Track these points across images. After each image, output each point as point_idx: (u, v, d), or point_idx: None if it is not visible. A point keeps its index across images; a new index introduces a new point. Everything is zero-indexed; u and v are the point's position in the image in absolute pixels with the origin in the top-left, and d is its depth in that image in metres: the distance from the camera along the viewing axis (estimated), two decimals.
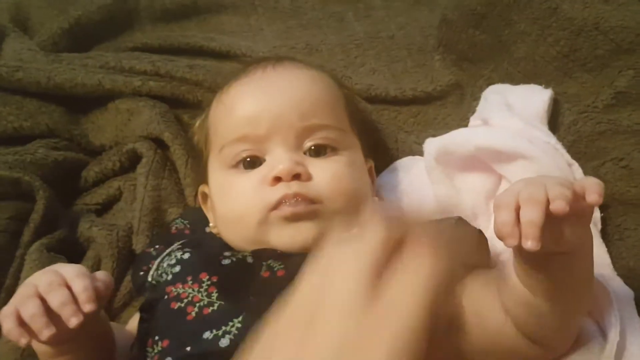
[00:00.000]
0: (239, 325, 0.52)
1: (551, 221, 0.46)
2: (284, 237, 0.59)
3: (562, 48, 0.77)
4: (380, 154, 0.77)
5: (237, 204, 0.62)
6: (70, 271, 0.51)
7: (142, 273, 0.63)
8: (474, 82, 0.85)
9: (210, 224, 0.69)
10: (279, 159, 0.61)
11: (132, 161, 0.80)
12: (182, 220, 0.71)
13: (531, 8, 0.79)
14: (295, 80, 0.67)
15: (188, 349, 0.52)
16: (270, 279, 0.56)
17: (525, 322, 0.55)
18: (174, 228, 0.70)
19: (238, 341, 0.51)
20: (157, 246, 0.66)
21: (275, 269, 0.57)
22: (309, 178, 0.61)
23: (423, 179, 0.71)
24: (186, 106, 0.84)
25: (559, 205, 0.45)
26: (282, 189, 0.59)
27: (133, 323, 0.65)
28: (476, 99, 0.82)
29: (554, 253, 0.49)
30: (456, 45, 0.87)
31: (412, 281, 0.34)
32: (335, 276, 0.36)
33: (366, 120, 0.78)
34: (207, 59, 0.92)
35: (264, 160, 0.63)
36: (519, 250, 0.51)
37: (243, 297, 0.55)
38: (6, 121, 0.79)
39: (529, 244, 0.45)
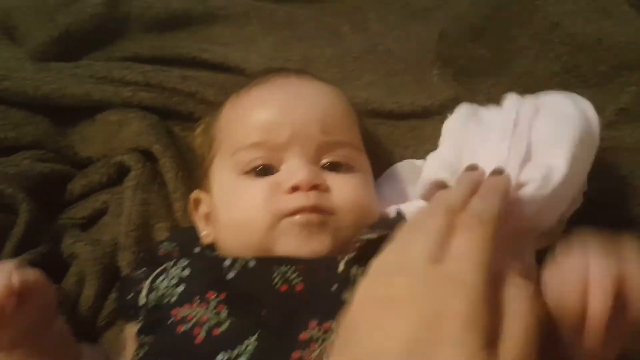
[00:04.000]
0: (255, 344, 0.50)
1: None
2: (291, 245, 0.57)
3: (564, 64, 0.76)
4: (376, 168, 0.75)
5: (247, 209, 0.60)
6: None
7: (130, 297, 0.60)
8: (473, 97, 0.83)
9: (203, 232, 0.66)
10: (297, 169, 0.59)
11: (120, 174, 0.77)
12: (170, 243, 0.68)
13: (531, 23, 0.78)
14: (319, 93, 0.66)
15: None
16: (287, 293, 0.53)
17: None
18: (161, 250, 0.67)
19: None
20: (143, 269, 0.63)
21: (293, 281, 0.54)
22: (326, 189, 0.60)
23: None
24: (177, 118, 0.82)
25: None
26: (300, 198, 0.58)
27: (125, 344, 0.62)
28: None
29: None
30: (455, 60, 0.86)
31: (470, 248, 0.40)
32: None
33: (366, 136, 0.76)
34: (200, 70, 0.89)
35: (277, 170, 0.61)
36: None
37: (255, 311, 0.52)
38: None
39: (590, 343, 0.41)
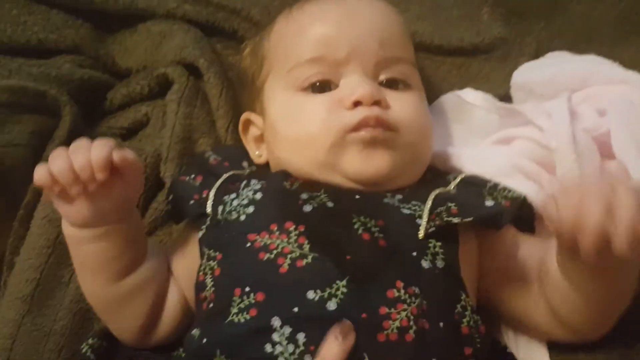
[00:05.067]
0: (345, 290, 0.50)
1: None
2: (357, 162, 0.57)
3: (620, 10, 0.74)
4: None
5: (310, 125, 0.59)
6: (96, 141, 0.52)
7: (192, 202, 0.60)
8: (522, 39, 0.81)
9: (255, 153, 0.66)
10: (358, 83, 0.59)
11: (162, 87, 0.75)
12: (215, 154, 0.68)
13: None
14: (376, 9, 0.65)
15: (295, 309, 0.49)
16: (371, 243, 0.53)
17: (556, 304, 0.55)
18: (212, 159, 0.67)
19: (345, 307, 0.49)
20: (192, 175, 0.64)
21: (375, 235, 0.54)
22: (387, 106, 0.59)
23: (472, 125, 0.68)
24: (220, 35, 0.80)
25: (621, 244, 0.43)
26: (363, 112, 0.57)
27: (179, 252, 0.63)
28: (523, 54, 0.79)
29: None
30: None
31: None
32: None
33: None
34: None
35: (336, 87, 0.60)
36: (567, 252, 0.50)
37: (339, 254, 0.52)
38: (31, 31, 0.74)
39: (585, 254, 0.45)
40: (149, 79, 0.76)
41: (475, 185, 0.59)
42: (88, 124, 0.75)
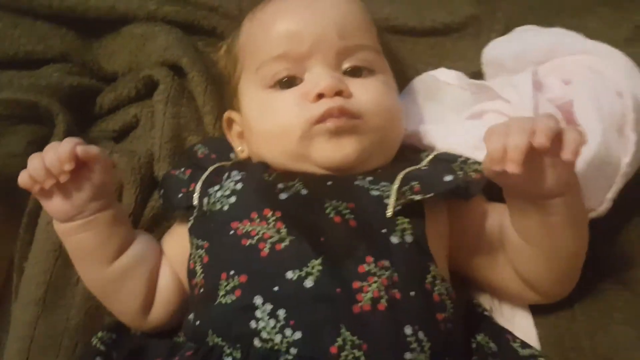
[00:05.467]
0: (319, 267, 0.54)
1: (535, 159, 0.50)
2: (327, 150, 0.61)
3: None
4: (400, 84, 0.77)
5: (280, 119, 0.62)
6: (64, 140, 0.59)
7: (180, 195, 0.64)
8: (492, 14, 0.84)
9: (238, 148, 0.70)
10: (320, 76, 0.62)
11: (148, 88, 0.78)
12: (204, 147, 0.71)
13: None
14: (333, 0, 0.66)
15: (276, 289, 0.53)
16: (342, 225, 0.57)
17: (520, 265, 0.60)
18: (199, 152, 0.70)
19: (321, 282, 0.53)
20: (182, 169, 0.68)
21: (346, 215, 0.57)
22: (350, 95, 0.62)
23: (447, 103, 0.71)
24: (201, 33, 0.82)
25: (540, 139, 0.48)
26: (326, 104, 0.60)
27: (171, 240, 0.67)
28: (494, 31, 0.82)
29: (539, 197, 0.53)
30: None
31: None
32: None
33: (387, 49, 0.77)
34: None
35: (301, 81, 0.63)
36: (508, 193, 0.56)
37: (314, 234, 0.56)
38: (18, 44, 0.77)
39: (512, 167, 0.48)
40: (136, 81, 0.78)
41: (446, 161, 0.63)
42: (80, 129, 0.77)
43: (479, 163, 0.62)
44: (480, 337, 0.59)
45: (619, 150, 0.61)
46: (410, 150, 0.69)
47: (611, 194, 0.61)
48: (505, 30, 0.82)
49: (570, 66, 0.66)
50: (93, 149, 0.59)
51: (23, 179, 0.58)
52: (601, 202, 0.62)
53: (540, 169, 0.52)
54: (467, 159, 0.63)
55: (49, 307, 0.65)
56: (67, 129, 0.72)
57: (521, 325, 0.62)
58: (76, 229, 0.61)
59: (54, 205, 0.60)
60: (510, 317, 0.64)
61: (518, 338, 0.58)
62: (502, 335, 0.59)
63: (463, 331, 0.58)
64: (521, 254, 0.59)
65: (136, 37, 0.80)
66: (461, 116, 0.71)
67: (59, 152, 0.57)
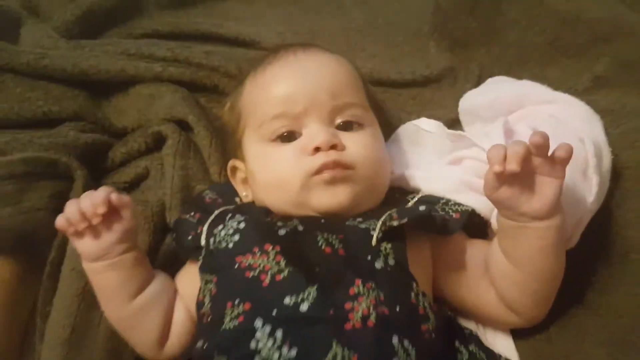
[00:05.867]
0: (315, 294, 0.61)
1: (528, 177, 0.61)
2: (324, 198, 0.68)
3: (547, 36, 0.87)
4: (386, 132, 0.85)
5: (281, 171, 0.70)
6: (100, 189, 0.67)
7: (190, 237, 0.71)
8: (466, 65, 0.94)
9: (243, 194, 0.77)
10: (316, 132, 0.69)
11: (157, 142, 0.86)
12: (212, 192, 0.79)
13: None
14: (325, 64, 0.75)
15: (274, 312, 0.60)
16: (332, 255, 0.64)
17: (503, 289, 0.67)
18: (207, 198, 0.78)
19: (315, 307, 0.60)
20: (192, 213, 0.75)
21: (336, 245, 0.65)
22: (343, 148, 0.69)
23: (429, 149, 0.79)
24: (203, 90, 0.90)
25: (537, 139, 0.59)
26: (322, 157, 0.68)
27: (184, 279, 0.74)
28: (468, 81, 0.91)
29: (530, 218, 0.62)
30: (450, 32, 0.96)
31: None
32: None
33: (374, 101, 0.85)
34: (216, 44, 0.97)
35: (300, 135, 0.71)
36: (503, 214, 0.64)
37: (309, 266, 0.63)
38: (35, 106, 0.84)
39: (512, 166, 0.58)
40: (145, 137, 0.86)
41: (430, 203, 0.70)
42: (95, 182, 0.84)
43: (459, 204, 0.70)
44: (472, 347, 0.66)
45: (584, 190, 0.69)
46: (399, 191, 0.77)
47: (580, 229, 0.69)
48: (479, 79, 0.91)
49: (537, 115, 0.75)
50: (125, 197, 0.68)
51: (60, 221, 0.66)
52: (572, 235, 0.69)
53: (532, 187, 0.61)
54: (449, 200, 0.71)
55: (75, 347, 0.70)
56: (85, 183, 0.78)
57: (503, 348, 0.69)
58: (103, 269, 0.68)
59: (85, 246, 0.67)
60: (493, 340, 0.70)
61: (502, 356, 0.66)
62: (489, 350, 0.66)
63: (446, 341, 0.65)
64: (507, 278, 0.66)
65: (144, 96, 0.88)
66: (442, 161, 0.78)
67: (94, 198, 0.65)
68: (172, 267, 0.78)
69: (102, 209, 0.65)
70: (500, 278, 0.67)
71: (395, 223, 0.64)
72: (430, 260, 0.70)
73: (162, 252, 0.79)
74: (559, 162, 0.60)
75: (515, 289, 0.66)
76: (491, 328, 0.72)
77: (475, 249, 0.71)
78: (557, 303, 0.68)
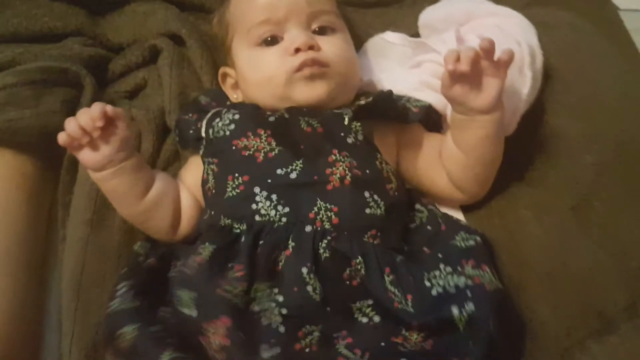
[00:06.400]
0: (301, 165, 0.75)
1: (477, 76, 0.72)
2: (304, 91, 0.80)
3: None
4: (356, 46, 0.97)
5: (267, 70, 0.81)
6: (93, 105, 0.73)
7: (191, 132, 0.83)
8: None
9: (233, 97, 0.89)
10: (296, 35, 0.81)
11: (153, 55, 0.96)
12: (205, 97, 0.90)
13: None
14: None
15: (269, 181, 0.74)
16: (312, 133, 0.78)
17: (453, 172, 0.82)
18: (202, 101, 0.89)
19: (302, 175, 0.74)
20: (190, 114, 0.86)
21: (315, 126, 0.78)
22: (319, 48, 0.81)
23: (393, 58, 0.93)
24: (191, 9, 1.01)
25: (484, 44, 0.72)
26: (301, 56, 0.79)
27: (187, 171, 0.86)
28: (426, 1, 1.03)
29: (478, 112, 0.75)
30: None
31: None
32: None
33: (345, 19, 0.97)
34: None
35: (282, 39, 0.82)
36: (455, 109, 0.77)
37: (295, 145, 0.77)
38: (42, 21, 0.93)
39: (463, 66, 0.71)
40: (142, 50, 0.96)
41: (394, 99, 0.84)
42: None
43: (419, 100, 0.84)
44: (430, 207, 0.83)
45: (520, 84, 0.83)
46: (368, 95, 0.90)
47: (516, 118, 0.84)
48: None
49: (483, 25, 0.89)
50: (118, 109, 0.74)
51: (62, 138, 0.72)
52: (509, 124, 0.84)
53: (479, 86, 0.73)
54: (410, 97, 0.85)
55: (96, 227, 0.82)
56: (93, 89, 0.89)
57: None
58: (109, 177, 0.76)
59: (88, 158, 0.75)
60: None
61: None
62: (444, 212, 0.83)
63: (408, 201, 0.81)
64: (456, 162, 0.81)
65: (139, 13, 0.97)
66: (404, 67, 0.92)
67: (92, 112, 0.72)
68: (171, 166, 0.91)
69: (100, 123, 0.71)
70: (450, 162, 0.82)
71: (362, 102, 0.79)
72: (395, 147, 0.85)
73: (163, 152, 0.90)
74: (503, 65, 0.73)
75: (462, 170, 0.81)
76: (444, 206, 0.88)
77: (432, 140, 0.85)
78: (496, 181, 0.83)
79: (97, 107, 0.72)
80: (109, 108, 0.73)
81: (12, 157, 0.85)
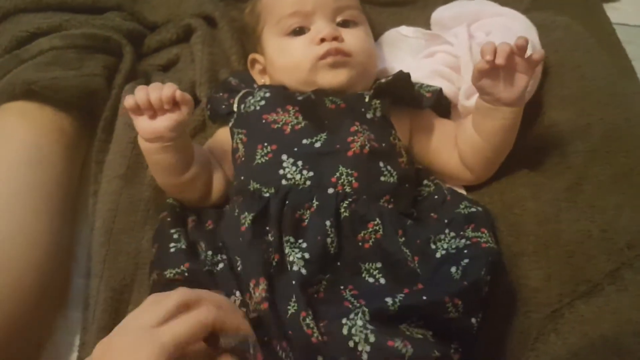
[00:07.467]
0: (325, 137, 0.82)
1: (510, 70, 0.78)
2: (327, 78, 0.88)
3: None
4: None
5: (295, 57, 0.89)
6: (166, 84, 0.76)
7: (223, 107, 0.90)
8: None
9: (261, 81, 0.96)
10: (322, 27, 0.89)
11: (186, 34, 1.04)
12: (234, 78, 0.98)
13: None
14: None
15: (295, 149, 0.81)
16: (336, 109, 0.86)
17: (466, 154, 0.90)
18: (233, 82, 0.96)
19: (325, 144, 0.81)
20: (221, 93, 0.94)
21: (338, 103, 0.86)
22: (342, 40, 0.89)
23: (407, 50, 1.01)
24: None
25: (520, 42, 0.77)
26: (326, 46, 0.87)
27: (215, 142, 0.92)
28: (438, 3, 1.13)
29: (503, 103, 0.81)
30: None
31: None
32: None
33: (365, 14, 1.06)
34: None
35: (309, 30, 0.90)
36: (483, 98, 0.83)
37: (320, 120, 0.84)
38: None
39: (500, 60, 0.76)
40: (177, 28, 1.04)
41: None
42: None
43: (431, 86, 0.92)
44: (437, 181, 0.90)
45: None
46: None
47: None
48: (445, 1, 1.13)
49: (491, 24, 0.98)
50: (187, 95, 0.77)
51: (129, 102, 0.75)
52: None
53: (509, 80, 0.78)
54: (422, 84, 0.93)
55: (129, 182, 0.88)
56: (132, 58, 0.96)
57: None
58: (156, 151, 0.79)
59: (143, 126, 0.77)
60: None
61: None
62: (450, 187, 0.91)
63: (417, 176, 0.88)
64: (471, 145, 0.87)
65: None
66: (416, 58, 1.01)
67: (163, 94, 0.74)
68: (196, 136, 0.98)
69: (168, 106, 0.75)
70: (466, 145, 0.89)
71: (383, 81, 0.87)
72: (408, 130, 0.92)
73: (191, 121, 0.97)
74: (533, 63, 0.77)
75: (475, 153, 0.88)
76: (450, 184, 0.96)
77: (443, 124, 0.93)
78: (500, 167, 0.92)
79: (169, 90, 0.75)
80: (179, 93, 0.76)
81: (52, 113, 0.91)
